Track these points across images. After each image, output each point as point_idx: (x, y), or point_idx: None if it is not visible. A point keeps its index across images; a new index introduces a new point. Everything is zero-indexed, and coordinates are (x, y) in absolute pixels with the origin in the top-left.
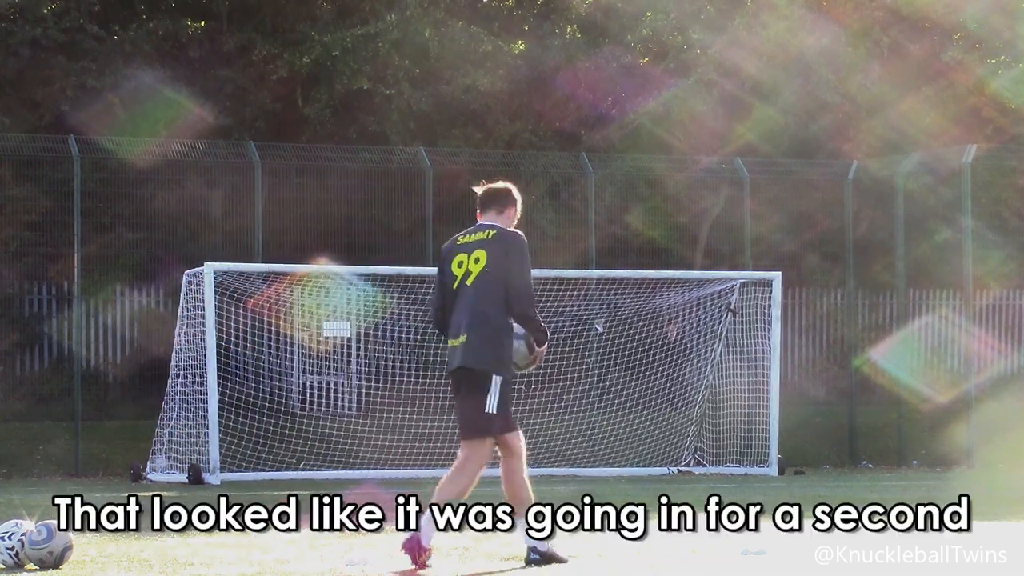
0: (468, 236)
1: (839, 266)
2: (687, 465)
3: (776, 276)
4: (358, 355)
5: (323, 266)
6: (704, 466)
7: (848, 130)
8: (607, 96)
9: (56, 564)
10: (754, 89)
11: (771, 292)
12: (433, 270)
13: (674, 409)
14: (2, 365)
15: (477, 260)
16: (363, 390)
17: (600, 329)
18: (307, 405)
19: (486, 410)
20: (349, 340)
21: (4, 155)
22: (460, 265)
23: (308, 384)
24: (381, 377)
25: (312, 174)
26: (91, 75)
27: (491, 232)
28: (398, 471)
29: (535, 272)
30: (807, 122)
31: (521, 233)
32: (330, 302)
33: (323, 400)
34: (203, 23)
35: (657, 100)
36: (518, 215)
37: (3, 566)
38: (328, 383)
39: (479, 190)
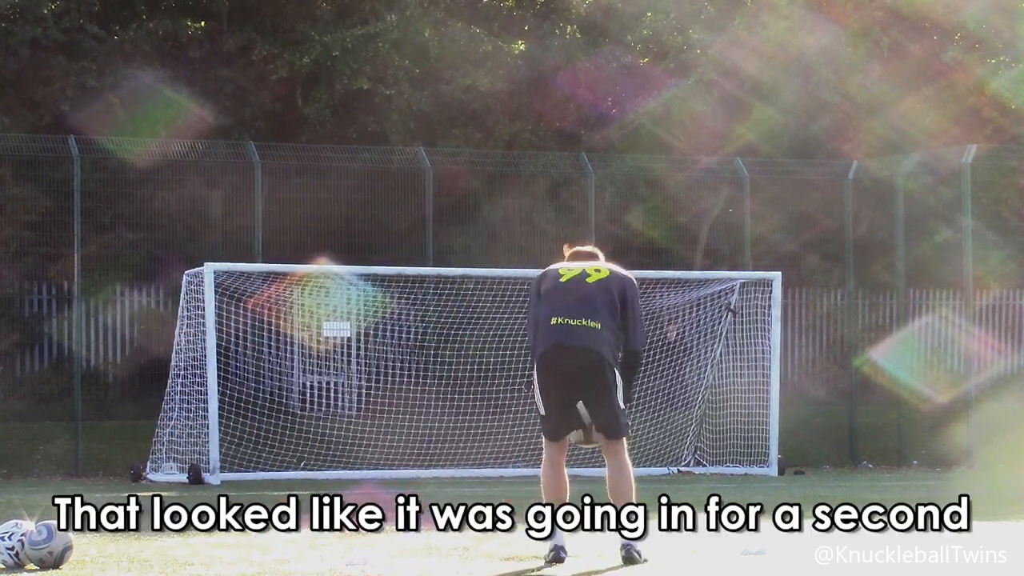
0: (578, 261)
1: (839, 266)
2: (687, 465)
3: (776, 276)
4: (358, 355)
5: (323, 266)
6: (704, 466)
7: (848, 130)
8: (607, 96)
9: (56, 564)
10: (754, 89)
11: (771, 292)
12: (432, 270)
13: (674, 409)
14: (2, 365)
15: (598, 270)
16: (363, 390)
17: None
18: (307, 405)
19: (623, 406)
20: (349, 340)
21: (4, 155)
22: (571, 269)
23: (308, 384)
24: (381, 377)
25: (312, 174)
26: (91, 75)
27: (605, 264)
28: (398, 471)
29: (536, 272)
30: (807, 122)
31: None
32: (330, 302)
33: (323, 400)
34: (203, 23)
35: (657, 100)
36: None
37: (3, 566)
38: (328, 383)
39: (568, 251)
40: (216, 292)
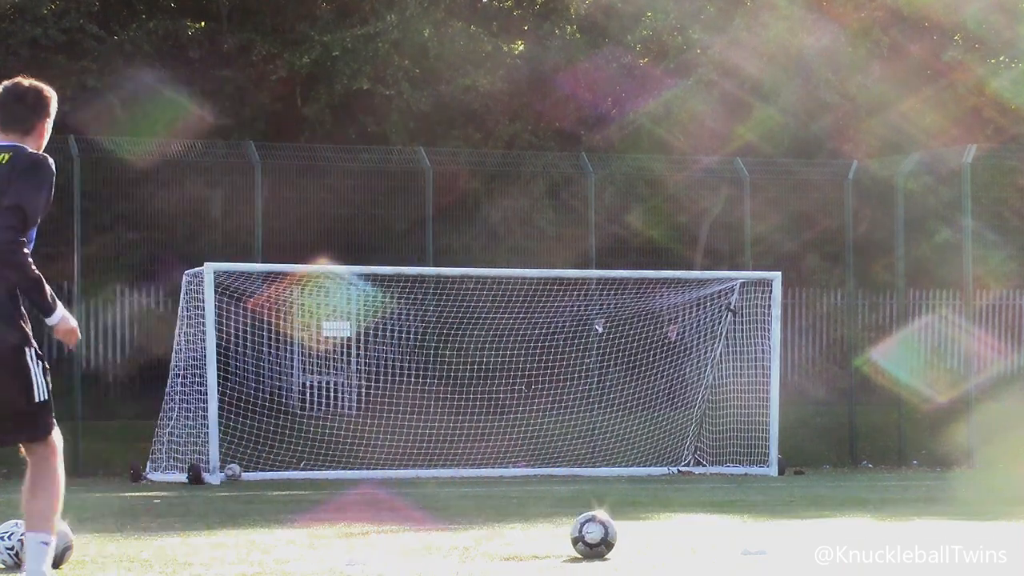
0: None
1: (839, 266)
2: (687, 465)
3: (776, 276)
4: (358, 355)
5: (323, 266)
6: (704, 466)
7: (848, 130)
8: (607, 96)
9: (56, 564)
10: (754, 89)
11: (771, 292)
12: (432, 270)
13: (674, 409)
14: None
15: None
16: (363, 390)
17: (600, 329)
18: (307, 405)
19: (38, 399)
20: (349, 340)
21: None
22: None
23: (308, 384)
24: (381, 377)
25: (312, 174)
26: (91, 75)
27: (7, 154)
28: (398, 471)
29: (535, 272)
30: (807, 122)
31: (50, 159)
32: (330, 302)
33: (323, 400)
34: (203, 23)
35: (657, 100)
36: (49, 129)
37: (3, 566)
38: (328, 383)
39: None
40: (216, 292)
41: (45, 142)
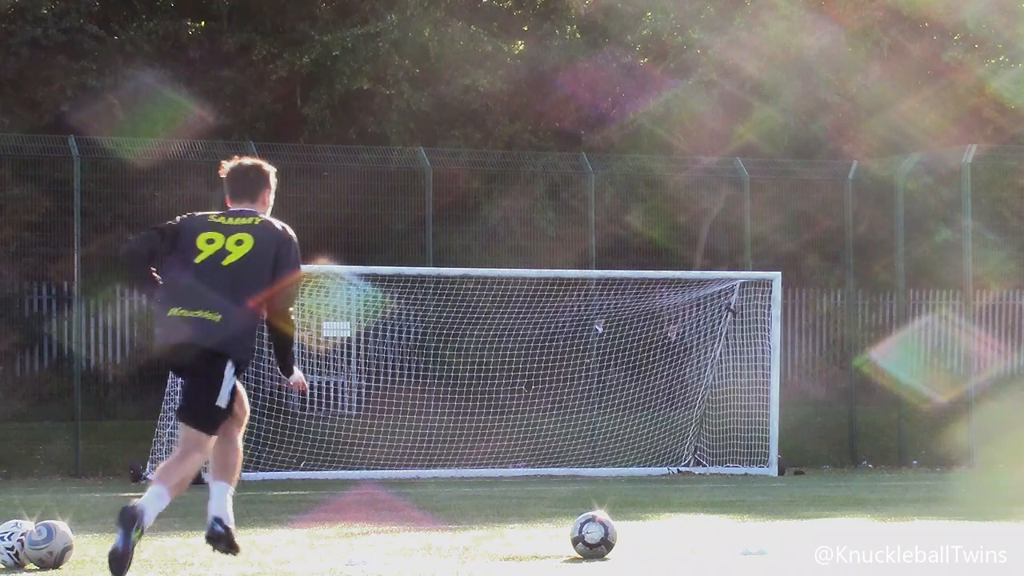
0: (226, 218)
1: (839, 266)
2: (687, 465)
3: (776, 276)
4: (358, 355)
5: (323, 266)
6: (704, 466)
7: (848, 130)
8: (607, 96)
9: (56, 564)
10: (754, 89)
11: (771, 292)
12: (432, 270)
13: (674, 409)
14: (2, 365)
15: (240, 243)
16: (363, 390)
17: (600, 329)
18: (307, 405)
19: (218, 402)
20: (349, 340)
21: (4, 155)
22: (211, 243)
23: (308, 384)
24: (381, 377)
25: (312, 174)
26: (91, 75)
27: (256, 219)
28: (398, 471)
29: (535, 272)
30: (807, 122)
31: (290, 229)
32: (330, 302)
33: (323, 400)
34: (203, 23)
35: (657, 100)
36: (272, 199)
37: (3, 566)
38: (328, 383)
39: (225, 171)
40: None
41: (270, 209)
